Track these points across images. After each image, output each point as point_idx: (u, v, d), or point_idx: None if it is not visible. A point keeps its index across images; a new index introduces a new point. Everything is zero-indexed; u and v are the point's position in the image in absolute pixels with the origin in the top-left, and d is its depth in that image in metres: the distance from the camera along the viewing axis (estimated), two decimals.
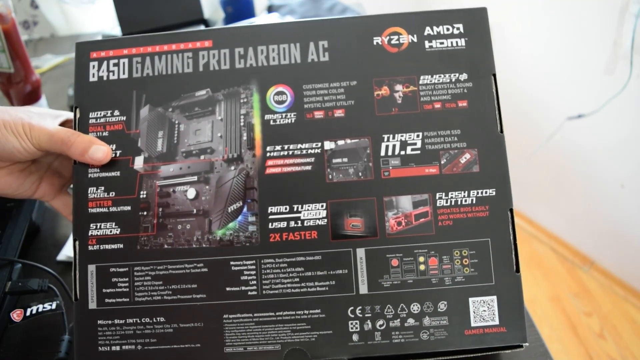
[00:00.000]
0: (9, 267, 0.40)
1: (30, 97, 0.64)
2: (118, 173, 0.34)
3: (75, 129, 0.34)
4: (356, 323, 0.32)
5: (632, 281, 1.15)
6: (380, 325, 0.31)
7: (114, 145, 0.34)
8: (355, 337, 0.31)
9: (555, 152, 1.22)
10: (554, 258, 1.27)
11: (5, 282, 0.38)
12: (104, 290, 0.32)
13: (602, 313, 1.12)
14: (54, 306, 0.36)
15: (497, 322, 0.31)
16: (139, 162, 0.34)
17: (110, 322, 0.32)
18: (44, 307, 0.36)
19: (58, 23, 0.93)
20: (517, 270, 0.32)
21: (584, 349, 1.03)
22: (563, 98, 1.16)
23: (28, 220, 0.45)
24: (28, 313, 0.36)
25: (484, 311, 0.31)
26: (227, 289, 0.32)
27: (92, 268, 0.33)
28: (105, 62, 0.35)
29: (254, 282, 0.32)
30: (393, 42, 0.35)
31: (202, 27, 0.77)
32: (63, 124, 0.35)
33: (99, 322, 0.32)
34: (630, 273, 1.15)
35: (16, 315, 0.36)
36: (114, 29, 0.94)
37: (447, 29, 0.35)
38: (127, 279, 0.32)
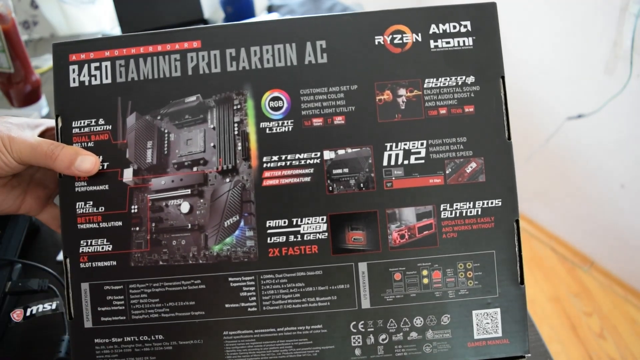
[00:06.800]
0: (9, 267, 0.40)
1: (30, 97, 0.64)
2: (107, 186, 0.32)
3: (57, 140, 0.32)
4: (358, 337, 0.31)
5: (632, 281, 1.17)
6: (383, 340, 0.31)
7: (101, 157, 0.32)
8: (357, 352, 0.31)
9: (555, 152, 1.21)
10: (554, 258, 1.28)
11: (5, 282, 0.39)
12: (99, 309, 0.31)
13: (602, 313, 1.13)
14: (54, 306, 0.36)
15: (500, 334, 0.31)
16: (128, 175, 0.32)
17: (107, 340, 0.31)
18: (44, 307, 0.36)
19: (58, 23, 0.92)
20: (522, 282, 0.31)
21: (584, 349, 1.06)
22: (563, 98, 1.15)
23: (28, 220, 0.45)
24: (28, 313, 0.36)
25: (487, 323, 0.31)
26: (227, 305, 0.31)
27: (85, 286, 0.31)
28: (86, 66, 0.33)
29: (254, 298, 0.31)
30: (396, 41, 0.32)
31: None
32: (43, 134, 0.33)
33: (96, 340, 0.31)
34: (630, 273, 1.17)
35: (16, 315, 0.36)
36: (114, 29, 0.92)
37: (454, 27, 0.32)
38: (122, 297, 0.31)
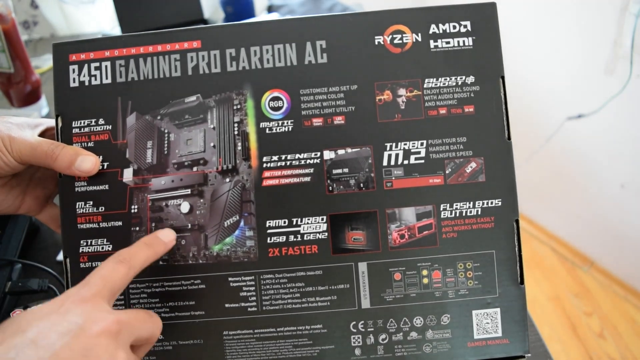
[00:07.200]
0: (9, 267, 0.40)
1: (30, 97, 0.64)
2: (107, 186, 0.32)
3: (57, 140, 0.32)
4: (358, 337, 0.31)
5: (632, 281, 1.17)
6: (383, 339, 0.31)
7: (101, 157, 0.32)
8: (357, 352, 0.31)
9: (555, 152, 1.21)
10: (554, 258, 1.28)
11: (5, 282, 0.39)
12: None
13: (602, 313, 1.13)
14: None
15: (500, 334, 0.31)
16: (128, 175, 0.32)
17: None
18: None
19: (58, 23, 0.92)
20: (522, 282, 0.31)
21: (584, 349, 1.05)
22: (563, 98, 1.15)
23: (28, 220, 0.45)
24: None
25: (487, 323, 0.31)
26: (226, 305, 0.31)
27: None
28: (86, 66, 0.33)
29: (254, 298, 0.31)
30: (396, 41, 0.32)
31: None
32: (43, 134, 0.33)
33: None
34: (630, 273, 1.17)
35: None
36: (114, 29, 0.92)
37: (454, 27, 0.32)
38: (122, 297, 0.31)
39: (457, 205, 0.31)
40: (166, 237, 0.29)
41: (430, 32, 0.32)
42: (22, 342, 0.21)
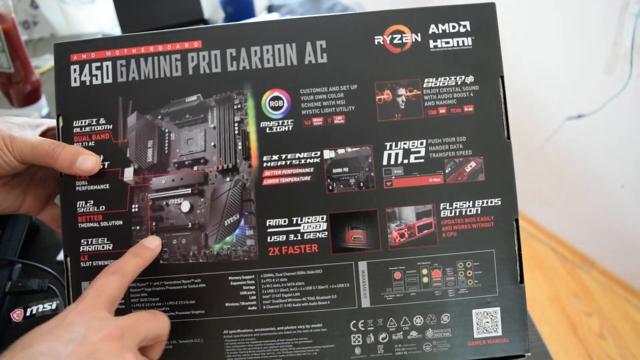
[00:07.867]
0: (9, 267, 0.40)
1: (30, 97, 0.64)
2: (107, 186, 0.32)
3: (58, 139, 0.32)
4: (358, 336, 0.31)
5: (632, 281, 1.17)
6: (383, 339, 0.31)
7: (102, 156, 0.32)
8: (357, 351, 0.31)
9: (555, 152, 1.21)
10: (554, 258, 1.28)
11: (5, 282, 0.39)
12: None
13: (602, 313, 1.13)
14: (54, 306, 0.36)
15: (500, 333, 0.31)
16: (128, 174, 0.32)
17: None
18: (44, 307, 0.36)
19: (58, 23, 0.93)
20: (522, 281, 0.31)
21: (584, 349, 1.05)
22: (563, 98, 1.15)
23: (28, 220, 0.45)
24: (28, 313, 0.36)
25: (487, 322, 0.31)
26: (227, 304, 0.31)
27: (86, 285, 0.32)
28: (87, 65, 0.33)
29: (254, 297, 0.31)
30: (396, 41, 0.32)
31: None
32: (44, 133, 0.33)
33: None
34: (630, 273, 1.17)
35: (16, 315, 0.36)
36: (114, 29, 0.93)
37: (453, 27, 0.32)
38: (123, 297, 0.31)
39: (456, 204, 0.31)
40: (152, 244, 0.30)
41: (430, 32, 0.32)
42: (30, 355, 0.21)
